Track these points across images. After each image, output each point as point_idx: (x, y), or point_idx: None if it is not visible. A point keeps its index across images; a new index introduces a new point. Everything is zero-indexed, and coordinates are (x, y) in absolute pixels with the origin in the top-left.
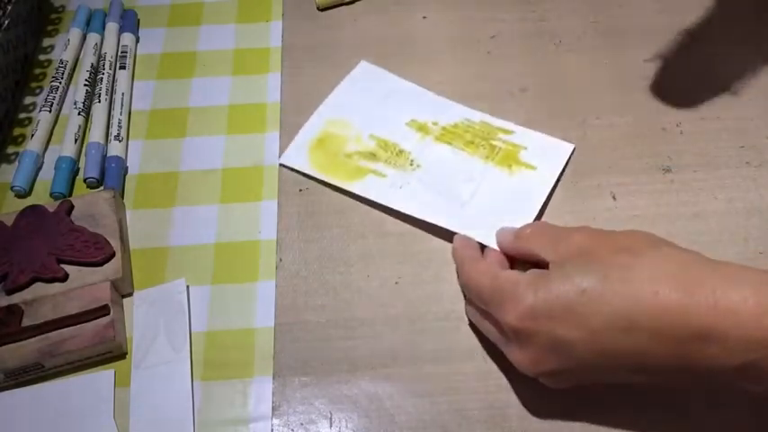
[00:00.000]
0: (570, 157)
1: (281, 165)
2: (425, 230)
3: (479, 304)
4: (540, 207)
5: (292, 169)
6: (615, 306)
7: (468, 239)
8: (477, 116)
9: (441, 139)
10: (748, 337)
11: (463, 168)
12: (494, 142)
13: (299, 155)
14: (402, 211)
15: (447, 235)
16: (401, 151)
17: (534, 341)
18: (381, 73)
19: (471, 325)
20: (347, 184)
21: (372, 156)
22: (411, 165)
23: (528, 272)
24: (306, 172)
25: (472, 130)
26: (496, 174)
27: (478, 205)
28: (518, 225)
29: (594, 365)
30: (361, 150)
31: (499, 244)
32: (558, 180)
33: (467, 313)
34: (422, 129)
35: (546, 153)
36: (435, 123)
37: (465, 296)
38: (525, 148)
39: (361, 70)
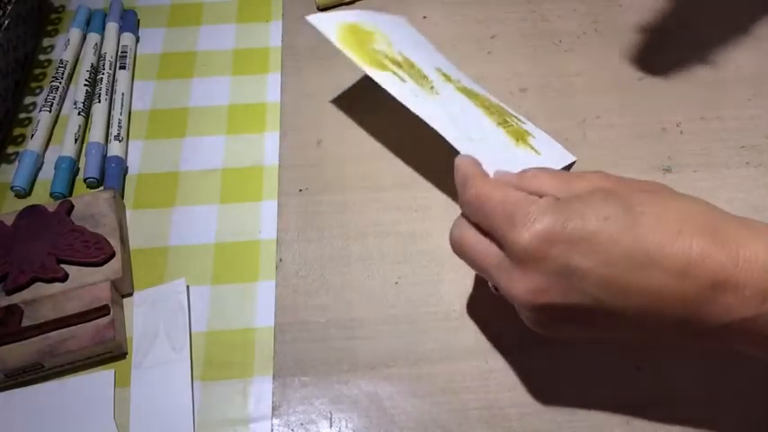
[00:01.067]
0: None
1: (307, 19)
2: (425, 229)
3: (483, 222)
4: None
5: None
6: (636, 237)
7: (474, 160)
8: (496, 100)
9: (461, 92)
10: (766, 288)
11: (477, 119)
12: (507, 118)
13: (329, 24)
14: (414, 110)
15: (446, 234)
16: (424, 76)
17: (542, 266)
18: (416, 34)
19: (470, 314)
20: (367, 67)
21: (397, 64)
22: (431, 89)
23: (545, 197)
24: (330, 39)
25: (489, 102)
26: (505, 139)
27: (487, 148)
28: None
29: (598, 305)
30: (388, 54)
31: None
32: None
33: (453, 238)
34: (446, 77)
35: (550, 149)
36: (458, 81)
37: (459, 220)
38: (533, 137)
39: (399, 18)
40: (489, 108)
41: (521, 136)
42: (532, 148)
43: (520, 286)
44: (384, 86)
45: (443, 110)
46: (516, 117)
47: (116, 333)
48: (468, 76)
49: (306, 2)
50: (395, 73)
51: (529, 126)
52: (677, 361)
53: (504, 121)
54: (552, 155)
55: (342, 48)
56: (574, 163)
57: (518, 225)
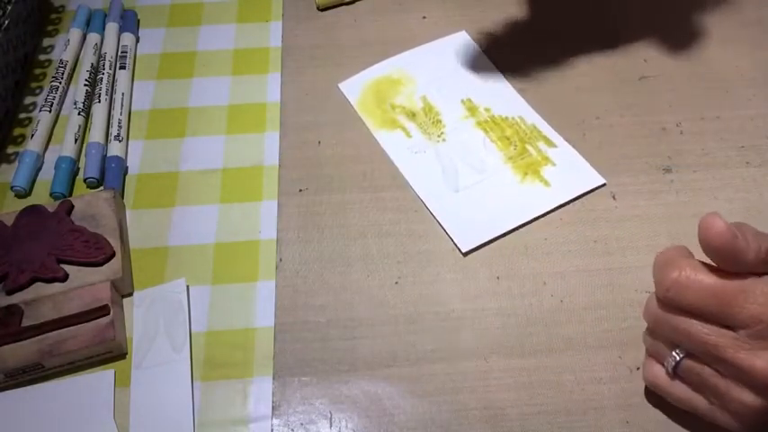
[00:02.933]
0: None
1: (339, 90)
2: (425, 229)
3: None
4: (522, 223)
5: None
6: None
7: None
8: (533, 119)
9: (480, 126)
10: None
11: (481, 158)
12: (528, 146)
13: (355, 89)
14: (402, 173)
15: (446, 234)
16: (438, 121)
17: None
18: (474, 49)
19: (470, 314)
20: (375, 130)
21: (412, 115)
22: (439, 136)
23: None
24: (352, 104)
25: (516, 128)
26: (507, 177)
27: (467, 197)
28: (488, 228)
29: None
30: (405, 106)
31: (736, 246)
32: (565, 204)
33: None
34: (471, 109)
35: (571, 176)
36: (487, 110)
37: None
38: (554, 165)
39: (456, 38)
40: (510, 138)
41: (532, 168)
42: (543, 180)
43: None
44: (385, 149)
45: (439, 161)
46: (548, 139)
47: (116, 333)
48: (513, 89)
49: (306, 2)
50: (403, 129)
51: (558, 150)
52: None
53: (520, 152)
54: (570, 181)
55: (359, 113)
56: (604, 185)
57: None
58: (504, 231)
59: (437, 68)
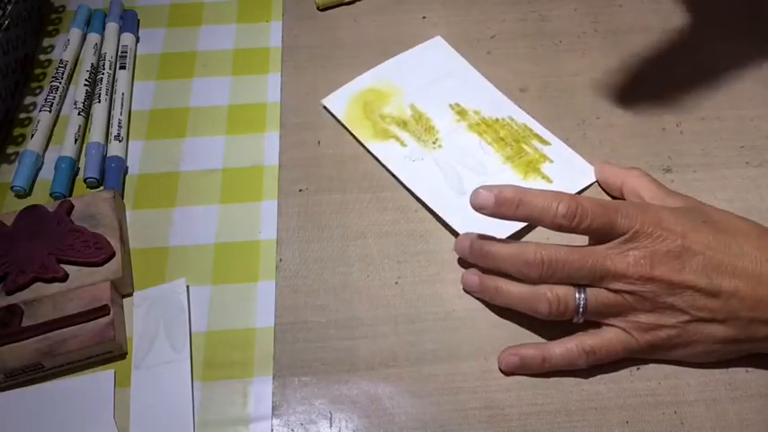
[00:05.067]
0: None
1: (323, 106)
2: (425, 229)
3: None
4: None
5: (330, 117)
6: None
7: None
8: (523, 118)
9: (473, 129)
10: None
11: (480, 161)
12: (524, 146)
13: (340, 102)
14: (404, 183)
15: (446, 234)
16: (431, 127)
17: (658, 245)
18: (452, 53)
19: (470, 314)
20: (368, 141)
21: (403, 123)
22: (434, 143)
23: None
24: (339, 119)
25: (509, 129)
26: (508, 176)
27: None
28: (499, 229)
29: (700, 291)
30: (395, 115)
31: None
32: None
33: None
34: (461, 113)
35: (569, 172)
36: (477, 112)
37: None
38: (551, 162)
39: (433, 44)
40: (504, 138)
41: (532, 166)
42: (544, 176)
43: (635, 259)
44: (381, 160)
45: (439, 167)
46: (540, 138)
47: (116, 333)
48: (500, 91)
49: (306, 2)
50: (397, 138)
51: (552, 147)
52: (677, 361)
53: (518, 151)
54: (569, 177)
55: (348, 128)
56: (595, 182)
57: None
58: (514, 231)
59: (420, 75)
